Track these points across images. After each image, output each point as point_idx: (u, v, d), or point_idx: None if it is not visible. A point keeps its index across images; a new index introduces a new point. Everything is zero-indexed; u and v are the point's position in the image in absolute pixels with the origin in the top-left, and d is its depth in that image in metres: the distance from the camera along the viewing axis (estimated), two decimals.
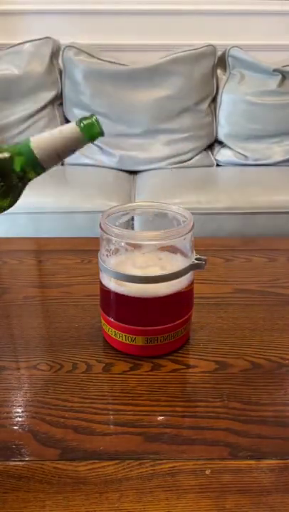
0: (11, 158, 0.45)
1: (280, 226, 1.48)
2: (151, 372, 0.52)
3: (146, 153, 1.81)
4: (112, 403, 0.48)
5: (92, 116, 0.45)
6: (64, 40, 1.79)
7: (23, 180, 0.46)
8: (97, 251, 0.54)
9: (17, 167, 0.45)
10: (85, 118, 0.45)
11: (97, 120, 0.45)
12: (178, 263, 0.52)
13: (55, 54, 1.79)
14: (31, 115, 1.78)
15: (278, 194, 1.53)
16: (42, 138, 0.45)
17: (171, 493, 0.38)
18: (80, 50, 1.77)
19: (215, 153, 1.89)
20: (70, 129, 0.45)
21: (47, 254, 0.83)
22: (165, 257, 0.53)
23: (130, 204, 0.58)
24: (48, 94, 1.79)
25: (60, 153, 0.45)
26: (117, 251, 0.53)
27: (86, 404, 0.47)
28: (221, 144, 1.89)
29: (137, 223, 1.05)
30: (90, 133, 0.45)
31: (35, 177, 0.47)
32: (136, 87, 1.77)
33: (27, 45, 1.76)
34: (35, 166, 0.45)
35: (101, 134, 0.45)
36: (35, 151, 0.44)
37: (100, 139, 0.47)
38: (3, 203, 0.47)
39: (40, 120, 1.79)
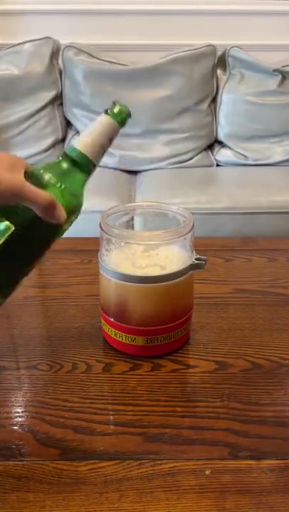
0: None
1: (280, 226, 1.48)
2: (151, 373, 0.52)
3: (147, 153, 1.81)
4: (112, 403, 0.48)
5: (116, 102, 0.46)
6: (64, 40, 1.78)
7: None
8: (97, 251, 0.54)
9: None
10: (112, 106, 0.46)
11: (124, 105, 0.46)
12: (178, 263, 0.52)
13: (55, 54, 1.79)
14: (31, 115, 1.78)
15: (278, 194, 1.53)
16: (85, 138, 0.46)
17: (171, 493, 0.38)
18: (80, 50, 1.76)
19: (215, 153, 1.89)
20: (106, 120, 0.46)
21: (47, 254, 0.82)
22: (165, 257, 0.53)
23: (130, 204, 0.58)
24: (48, 94, 1.79)
25: (104, 146, 0.47)
26: (117, 251, 0.53)
27: (86, 405, 0.47)
28: (221, 144, 1.89)
29: (137, 223, 1.05)
30: (121, 117, 0.46)
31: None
32: (136, 87, 1.77)
33: (27, 45, 1.76)
34: (89, 167, 0.46)
35: (129, 115, 0.47)
36: (85, 152, 0.45)
37: None
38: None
39: (40, 120, 1.79)
